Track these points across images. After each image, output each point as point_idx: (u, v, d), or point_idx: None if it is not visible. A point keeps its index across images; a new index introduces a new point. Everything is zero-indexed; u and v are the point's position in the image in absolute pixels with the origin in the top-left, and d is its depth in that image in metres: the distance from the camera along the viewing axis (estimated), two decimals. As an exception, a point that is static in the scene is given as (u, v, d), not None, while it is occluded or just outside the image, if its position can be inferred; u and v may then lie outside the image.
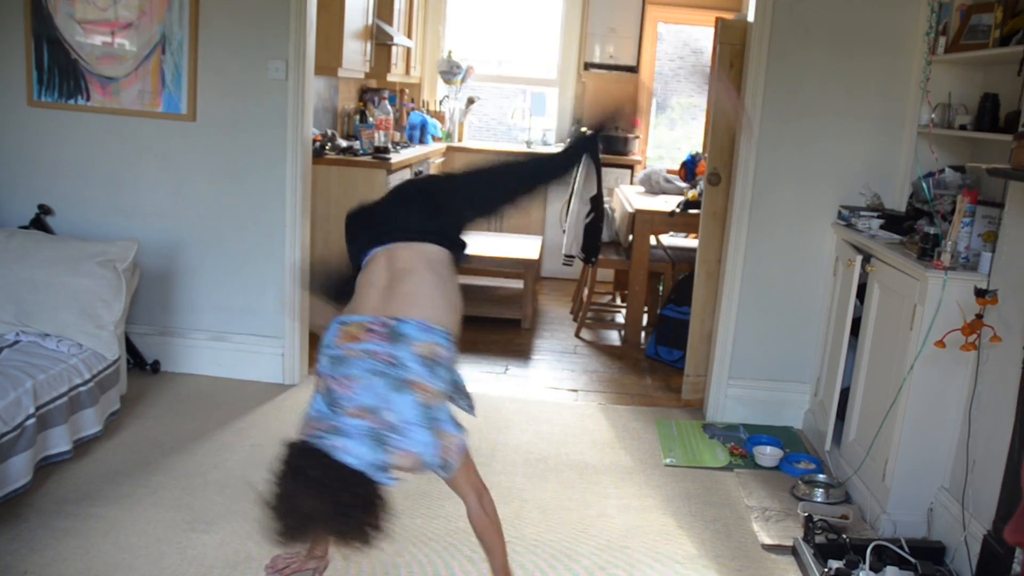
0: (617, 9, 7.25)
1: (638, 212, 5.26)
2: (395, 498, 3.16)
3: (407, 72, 7.00)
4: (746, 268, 4.02)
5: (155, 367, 4.25)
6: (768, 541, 3.03)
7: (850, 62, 3.81)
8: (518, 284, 6.07)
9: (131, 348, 4.14)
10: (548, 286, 6.92)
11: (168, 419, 3.75)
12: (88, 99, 4.09)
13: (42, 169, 4.16)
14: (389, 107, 6.10)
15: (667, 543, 3.01)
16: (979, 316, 2.80)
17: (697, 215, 4.66)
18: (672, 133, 8.21)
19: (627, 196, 5.85)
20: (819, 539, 2.90)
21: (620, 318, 5.93)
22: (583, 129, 3.14)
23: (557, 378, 4.71)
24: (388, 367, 2.06)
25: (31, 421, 2.88)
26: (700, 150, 6.42)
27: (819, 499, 3.32)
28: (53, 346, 3.30)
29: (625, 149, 7.21)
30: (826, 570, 2.72)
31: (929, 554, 2.85)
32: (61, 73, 4.07)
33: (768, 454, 3.69)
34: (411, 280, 2.27)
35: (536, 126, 7.76)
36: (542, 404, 4.28)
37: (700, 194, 4.93)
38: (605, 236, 5.59)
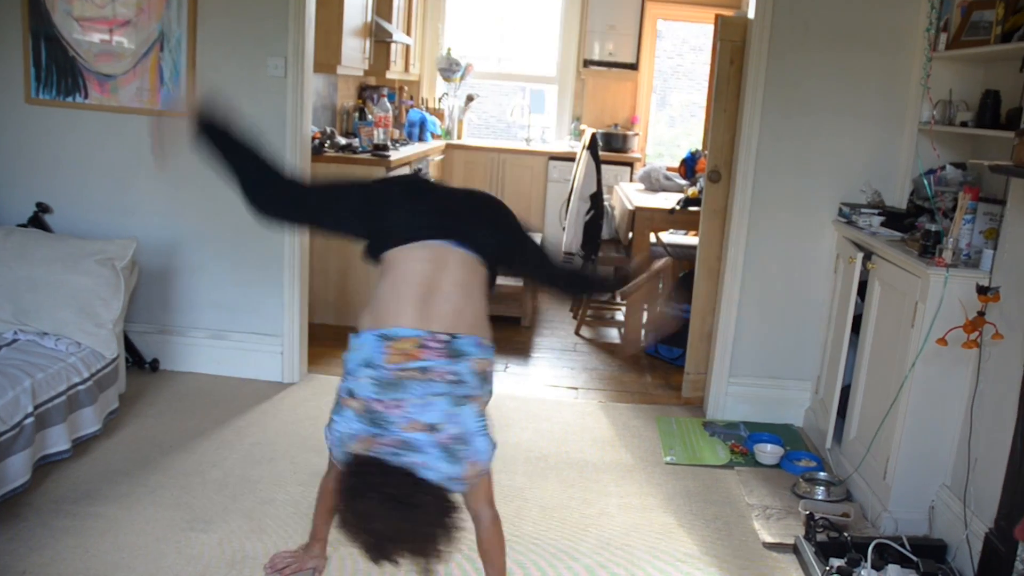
0: (617, 6, 7.24)
1: (638, 209, 5.25)
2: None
3: (406, 69, 6.99)
4: (746, 265, 4.01)
5: (154, 365, 4.24)
6: (769, 539, 3.02)
7: (850, 59, 3.79)
8: (517, 282, 6.05)
9: (130, 347, 4.13)
10: (548, 284, 6.89)
11: (167, 418, 3.73)
12: (86, 97, 4.07)
13: (40, 167, 4.14)
14: (388, 104, 6.09)
15: (668, 541, 3.00)
16: (981, 313, 2.79)
17: (697, 212, 4.65)
18: (672, 130, 8.20)
19: (627, 193, 5.84)
20: (820, 537, 2.89)
21: (620, 316, 5.91)
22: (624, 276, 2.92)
23: (557, 376, 4.70)
24: (451, 386, 2.00)
25: (29, 420, 2.87)
26: (700, 147, 6.42)
27: (820, 497, 3.32)
28: (51, 344, 3.29)
29: (625, 146, 7.20)
30: (828, 568, 2.71)
31: (931, 552, 2.84)
32: (59, 70, 4.05)
33: (769, 452, 3.68)
34: (461, 293, 2.15)
35: (535, 123, 7.75)
36: (542, 402, 4.27)
37: (700, 191, 4.92)
38: (605, 234, 5.58)
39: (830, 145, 3.87)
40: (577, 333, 5.53)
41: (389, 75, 6.43)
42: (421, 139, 6.74)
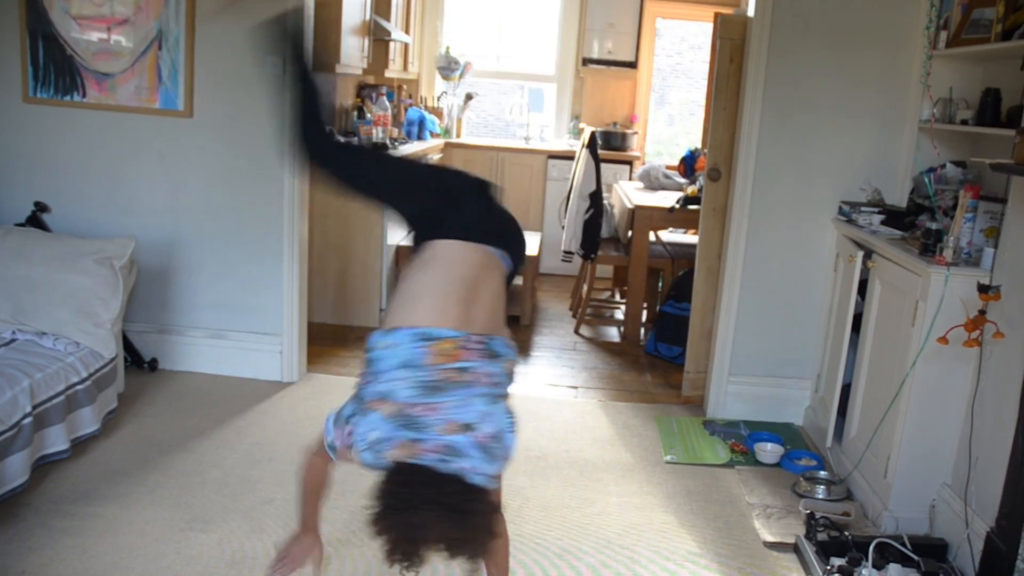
0: (616, 4, 7.23)
1: (637, 208, 5.25)
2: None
3: (405, 68, 6.98)
4: (746, 264, 4.00)
5: (153, 365, 4.23)
6: (770, 538, 3.02)
7: (850, 57, 3.79)
8: (517, 280, 6.04)
9: (129, 346, 4.12)
10: (547, 282, 6.90)
11: (166, 417, 3.73)
12: (84, 95, 4.06)
13: (38, 166, 4.13)
14: (387, 103, 6.07)
15: (669, 541, 3.00)
16: (982, 312, 2.78)
17: (696, 211, 4.64)
18: (670, 129, 8.19)
19: (626, 192, 5.83)
20: (821, 536, 2.89)
21: (619, 315, 5.91)
22: None
23: (557, 375, 4.70)
24: (491, 387, 1.98)
25: (28, 420, 2.86)
26: (699, 146, 6.41)
27: (820, 496, 3.31)
28: (50, 344, 3.28)
29: (624, 145, 7.20)
30: (829, 568, 2.71)
31: (932, 551, 2.83)
32: (57, 69, 4.04)
33: (769, 451, 3.68)
34: (496, 299, 2.15)
35: (534, 122, 7.74)
36: (542, 401, 4.26)
37: (699, 190, 4.92)
38: (604, 232, 5.57)
39: (830, 143, 3.87)
40: (577, 332, 5.52)
41: (388, 74, 6.41)
42: (420, 138, 6.73)
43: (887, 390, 3.14)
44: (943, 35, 3.50)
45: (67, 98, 4.06)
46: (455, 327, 1.98)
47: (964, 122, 3.37)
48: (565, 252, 5.58)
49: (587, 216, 5.31)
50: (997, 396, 2.77)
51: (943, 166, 3.48)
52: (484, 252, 2.17)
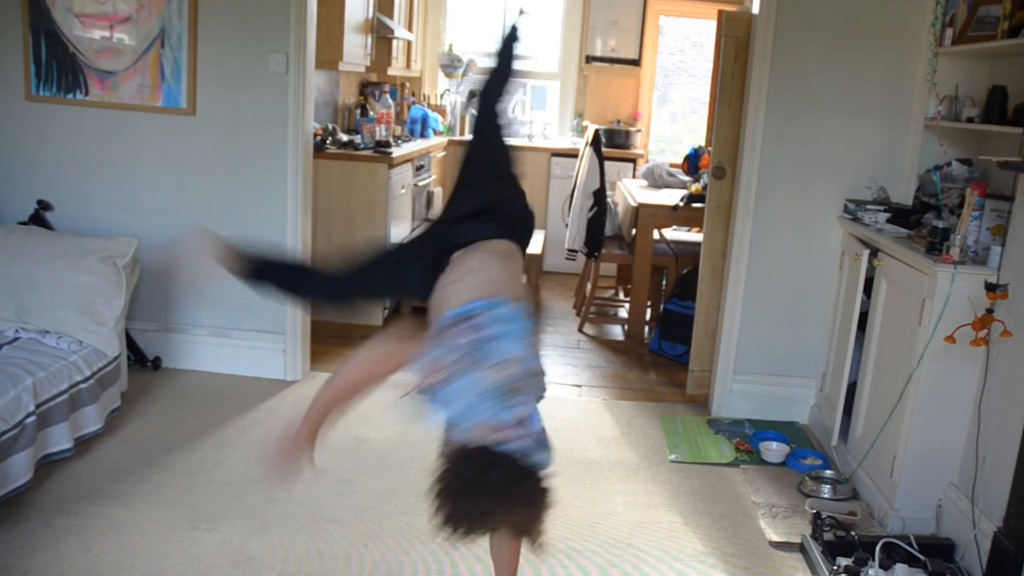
0: (619, 2, 7.22)
1: (641, 206, 5.23)
2: (400, 497, 3.15)
3: (408, 66, 6.97)
4: (751, 262, 3.99)
5: (156, 364, 4.22)
6: (776, 538, 3.01)
7: (856, 54, 3.77)
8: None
9: (132, 344, 4.12)
10: (551, 281, 6.89)
11: (170, 416, 3.72)
12: (87, 93, 4.05)
13: (41, 164, 4.12)
14: (390, 101, 6.06)
15: (674, 540, 2.98)
16: (989, 311, 2.76)
17: (700, 209, 4.63)
18: (673, 127, 8.17)
19: (630, 190, 5.82)
20: (827, 536, 2.87)
21: (623, 313, 5.89)
22: None
23: (560, 373, 4.68)
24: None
25: (31, 419, 2.86)
26: (703, 144, 6.40)
27: (826, 495, 3.30)
28: (53, 343, 3.27)
29: (627, 143, 7.18)
30: (835, 568, 2.70)
31: (938, 551, 2.82)
32: (59, 67, 4.03)
33: (774, 450, 3.66)
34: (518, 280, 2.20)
35: (537, 120, 7.72)
36: (545, 399, 4.23)
37: (703, 188, 4.90)
38: (608, 230, 5.56)
39: (835, 141, 3.85)
40: (580, 330, 5.51)
41: (391, 71, 6.41)
42: (423, 135, 6.72)
43: (893, 389, 3.12)
44: (949, 32, 3.48)
45: (70, 96, 4.05)
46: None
47: (970, 120, 3.35)
48: (569, 250, 5.56)
49: (591, 214, 5.30)
50: (1004, 395, 2.76)
51: (949, 164, 3.46)
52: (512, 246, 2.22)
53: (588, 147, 5.38)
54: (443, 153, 6.99)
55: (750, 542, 3.00)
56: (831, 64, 3.79)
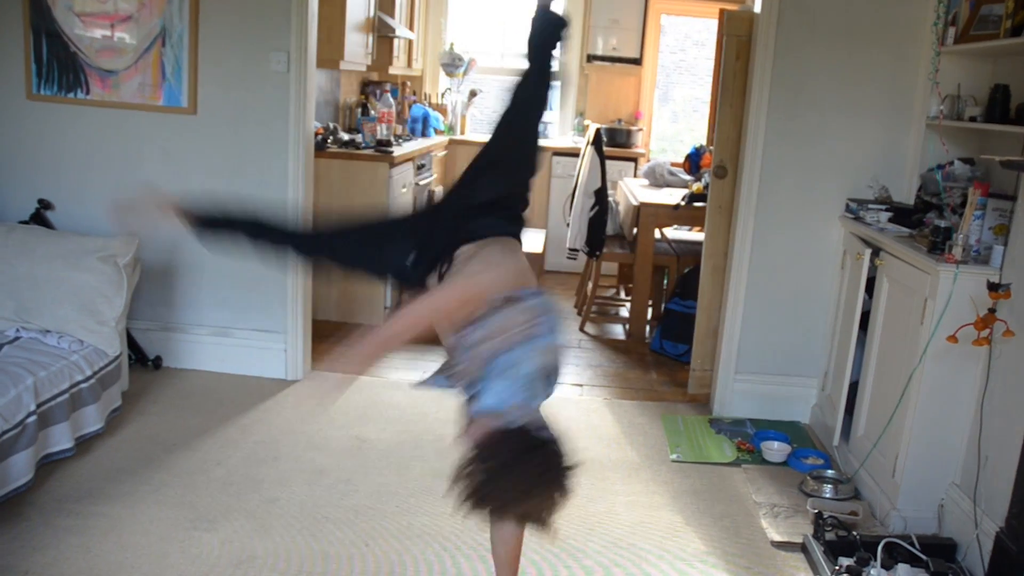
0: (620, 1, 7.21)
1: (642, 205, 5.23)
2: (401, 496, 3.14)
3: (409, 65, 6.97)
4: (753, 261, 3.98)
5: (157, 363, 4.22)
6: (777, 538, 3.00)
7: (858, 53, 3.76)
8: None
9: (133, 344, 4.11)
10: (552, 280, 6.88)
11: (170, 416, 3.72)
12: (88, 92, 4.05)
13: (42, 163, 4.12)
14: (391, 100, 6.06)
15: (676, 540, 2.98)
16: (992, 310, 2.76)
17: (701, 208, 4.63)
18: (674, 126, 8.16)
19: (631, 189, 5.81)
20: (829, 536, 2.87)
21: (625, 312, 5.89)
22: None
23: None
24: None
25: (32, 418, 2.85)
26: (704, 143, 6.39)
27: (828, 495, 3.29)
28: (54, 342, 3.27)
29: (628, 142, 7.18)
30: (837, 568, 2.69)
31: (940, 551, 2.82)
32: (60, 66, 4.03)
33: (776, 449, 3.66)
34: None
35: (538, 119, 7.70)
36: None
37: (705, 187, 4.89)
38: (609, 229, 5.55)
39: (837, 140, 3.84)
40: (582, 329, 5.50)
41: (392, 70, 6.40)
42: (424, 135, 6.72)
43: (895, 388, 3.12)
44: (951, 31, 3.47)
45: (71, 95, 4.05)
46: None
47: (972, 119, 3.34)
48: (570, 249, 5.56)
49: (592, 213, 5.29)
50: (1007, 395, 2.75)
51: (951, 163, 3.45)
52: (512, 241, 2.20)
53: (589, 146, 5.38)
54: (444, 152, 6.99)
55: (752, 542, 3.00)
56: (833, 63, 3.78)
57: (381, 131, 5.54)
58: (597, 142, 5.31)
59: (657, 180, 5.98)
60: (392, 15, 6.12)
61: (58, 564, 2.58)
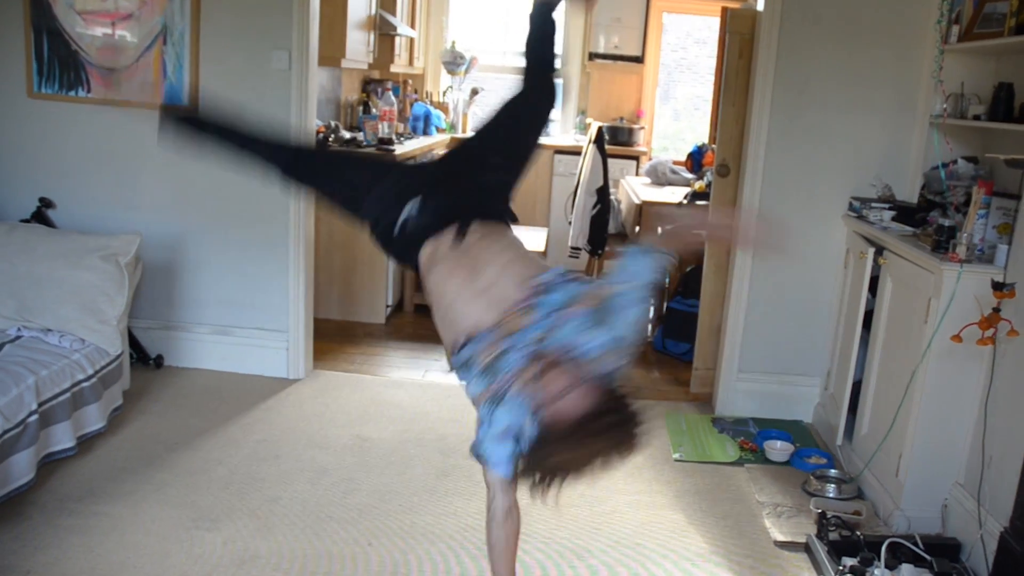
0: (622, -1, 7.20)
1: (645, 203, 5.22)
2: (403, 496, 3.14)
3: (410, 63, 6.95)
4: (755, 260, 3.97)
5: (158, 362, 4.21)
6: (780, 538, 2.99)
7: (861, 51, 3.75)
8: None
9: (134, 343, 4.11)
10: (553, 278, 6.86)
11: (172, 414, 3.71)
12: (89, 91, 4.04)
13: (43, 162, 4.11)
14: (393, 98, 6.05)
15: (679, 540, 2.97)
16: (996, 310, 2.75)
17: (704, 206, 4.61)
18: (676, 124, 8.14)
19: (633, 187, 5.81)
20: (832, 536, 2.86)
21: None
22: None
23: (563, 372, 4.66)
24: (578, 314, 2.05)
25: (33, 418, 2.85)
26: (706, 141, 6.38)
27: (831, 495, 3.28)
28: (55, 341, 3.26)
29: (630, 140, 7.16)
30: (841, 568, 2.68)
31: (944, 551, 2.81)
32: (61, 64, 4.02)
33: (779, 449, 3.65)
34: (501, 254, 2.19)
35: (540, 117, 7.69)
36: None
37: (707, 185, 4.89)
38: (611, 228, 5.54)
39: (840, 138, 3.83)
40: (583, 328, 5.48)
41: (393, 68, 6.39)
42: (426, 133, 6.71)
43: (898, 388, 3.11)
44: (955, 29, 3.46)
45: (72, 93, 4.04)
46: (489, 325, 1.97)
47: (976, 117, 3.33)
48: (572, 248, 5.55)
49: (594, 212, 5.28)
50: (1011, 394, 2.74)
51: (955, 162, 3.44)
52: (477, 230, 2.13)
53: (591, 144, 5.36)
54: (445, 151, 6.97)
55: (755, 541, 2.99)
56: (836, 61, 3.77)
57: (383, 129, 5.53)
58: (599, 140, 5.29)
59: (659, 178, 5.97)
60: (394, 13, 6.11)
61: (60, 563, 2.58)
